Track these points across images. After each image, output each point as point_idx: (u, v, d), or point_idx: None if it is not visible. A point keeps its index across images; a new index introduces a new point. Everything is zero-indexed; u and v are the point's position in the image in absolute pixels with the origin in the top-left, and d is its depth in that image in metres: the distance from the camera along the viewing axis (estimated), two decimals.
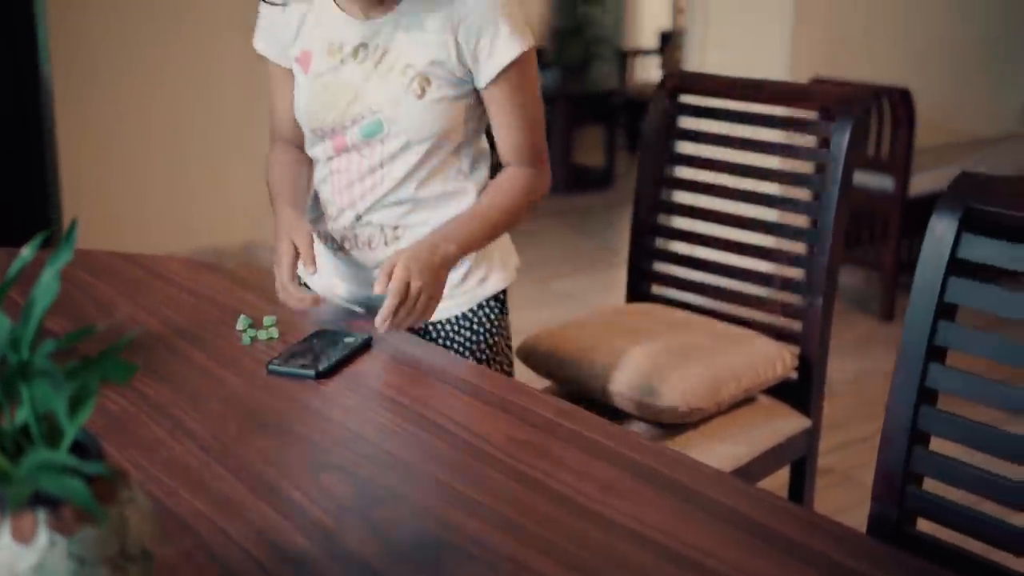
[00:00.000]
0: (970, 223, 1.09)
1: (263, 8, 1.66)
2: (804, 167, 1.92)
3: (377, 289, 1.47)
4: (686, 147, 2.12)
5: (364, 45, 1.57)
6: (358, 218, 1.64)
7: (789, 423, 1.93)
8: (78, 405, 0.77)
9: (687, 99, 2.07)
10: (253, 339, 1.50)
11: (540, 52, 7.75)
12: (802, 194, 1.96)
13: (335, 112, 1.58)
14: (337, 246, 1.68)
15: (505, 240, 1.74)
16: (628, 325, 1.97)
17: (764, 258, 2.03)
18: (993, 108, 5.08)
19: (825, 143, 1.88)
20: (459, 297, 1.67)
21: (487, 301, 1.70)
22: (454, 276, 1.63)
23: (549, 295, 4.36)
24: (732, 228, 2.05)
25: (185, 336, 1.50)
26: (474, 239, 1.57)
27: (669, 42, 7.55)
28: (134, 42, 4.17)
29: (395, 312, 1.45)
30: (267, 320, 1.54)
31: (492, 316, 1.70)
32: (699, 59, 4.25)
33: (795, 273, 1.98)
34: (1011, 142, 4.92)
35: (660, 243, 2.17)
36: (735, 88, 2.01)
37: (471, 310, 1.69)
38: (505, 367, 1.74)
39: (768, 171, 2.00)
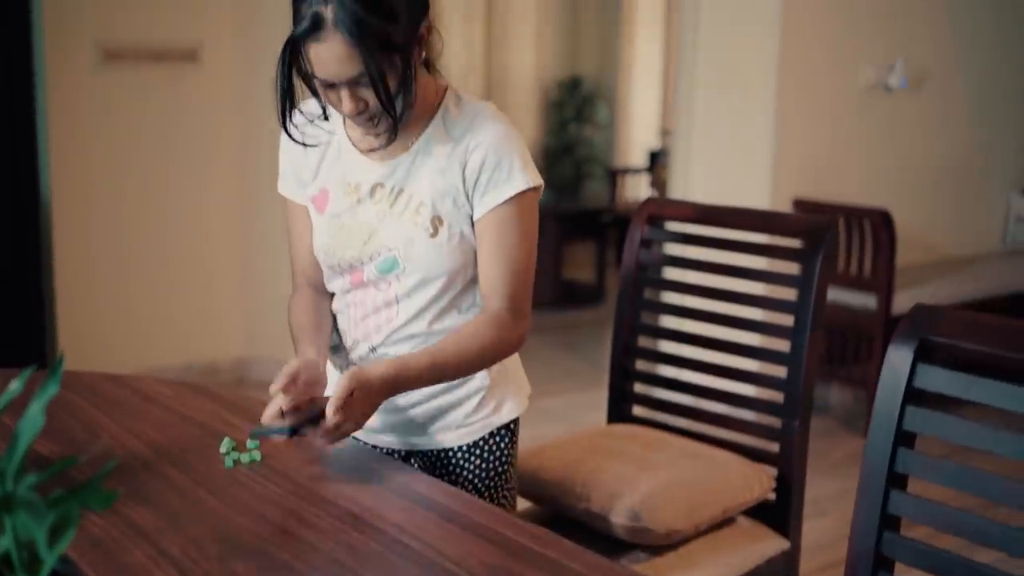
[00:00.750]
0: (925, 354, 1.14)
1: (284, 152, 1.70)
2: (779, 292, 1.97)
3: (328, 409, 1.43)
4: (664, 271, 2.18)
5: (381, 185, 1.60)
6: (372, 350, 1.65)
7: (768, 545, 1.94)
8: (58, 534, 0.80)
9: (665, 224, 2.14)
10: (235, 462, 1.52)
11: None
12: (777, 318, 2.02)
13: (352, 250, 1.61)
14: None
15: (519, 368, 1.75)
16: (608, 447, 2.00)
17: (742, 380, 2.07)
18: (971, 228, 5.19)
19: (798, 269, 1.94)
20: (473, 425, 1.68)
21: (498, 429, 1.70)
22: (468, 405, 1.66)
23: (536, 412, 4.36)
24: (709, 351, 2.09)
25: (169, 459, 1.53)
26: (420, 383, 1.55)
27: (657, 160, 7.72)
28: (130, 160, 4.29)
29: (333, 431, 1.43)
30: (250, 443, 1.57)
31: (503, 444, 1.70)
32: (684, 180, 4.37)
33: (772, 395, 2.01)
34: (989, 261, 5.02)
35: (641, 365, 2.21)
36: (709, 215, 2.08)
37: (483, 438, 1.69)
38: (510, 496, 1.73)
39: (743, 295, 2.05)
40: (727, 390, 2.08)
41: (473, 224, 1.59)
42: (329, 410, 1.42)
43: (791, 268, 2.03)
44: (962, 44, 4.87)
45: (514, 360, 1.74)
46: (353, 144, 1.63)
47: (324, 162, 1.65)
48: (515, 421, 1.73)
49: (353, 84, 1.46)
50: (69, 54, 4.07)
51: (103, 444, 1.58)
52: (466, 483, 1.69)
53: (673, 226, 2.13)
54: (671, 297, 2.14)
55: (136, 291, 4.38)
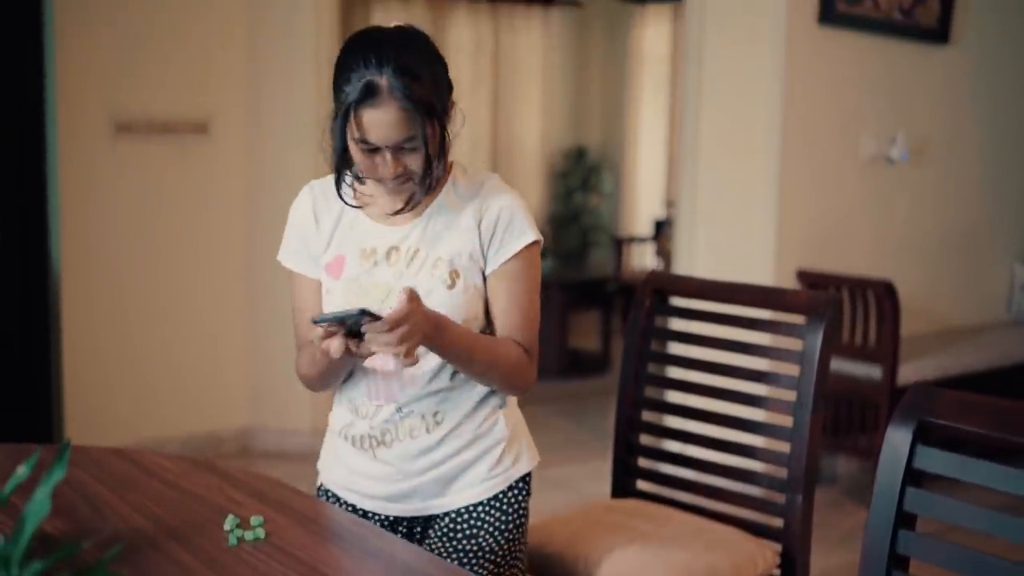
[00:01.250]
0: (924, 435, 1.14)
1: (294, 225, 1.76)
2: (781, 367, 1.98)
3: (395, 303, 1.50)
4: (668, 346, 2.19)
5: (396, 248, 1.69)
6: (399, 410, 1.70)
7: None
8: None
9: (669, 299, 2.15)
10: (239, 539, 1.52)
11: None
12: (780, 393, 2.02)
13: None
14: (377, 442, 1.72)
15: (526, 426, 1.82)
16: (612, 522, 2.00)
17: (746, 455, 2.07)
18: (975, 297, 5.20)
19: (801, 344, 1.95)
20: (496, 478, 1.73)
21: (517, 482, 1.75)
22: (490, 457, 1.71)
23: (542, 482, 4.33)
24: (713, 425, 2.10)
25: (173, 536, 1.53)
26: (460, 351, 1.61)
27: (662, 229, 7.77)
28: (139, 231, 4.33)
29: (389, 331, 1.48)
30: (254, 520, 1.57)
31: (520, 497, 1.76)
32: (688, 250, 4.39)
33: (776, 471, 2.01)
34: (994, 330, 5.02)
35: (645, 439, 2.22)
36: (712, 290, 2.10)
37: (503, 491, 1.74)
38: (523, 554, 1.78)
39: (746, 370, 2.06)
40: (731, 465, 2.08)
41: (484, 278, 1.69)
42: (392, 312, 1.47)
43: (795, 344, 2.05)
44: (962, 116, 4.92)
45: (521, 418, 1.81)
46: (365, 212, 1.71)
47: (338, 230, 1.72)
48: (529, 474, 1.78)
49: (398, 148, 1.58)
50: (81, 126, 4.13)
51: (108, 524, 1.59)
52: (487, 537, 1.72)
53: (677, 301, 2.15)
54: (675, 371, 2.15)
55: (143, 361, 4.39)
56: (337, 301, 1.69)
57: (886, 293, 4.00)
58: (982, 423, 1.11)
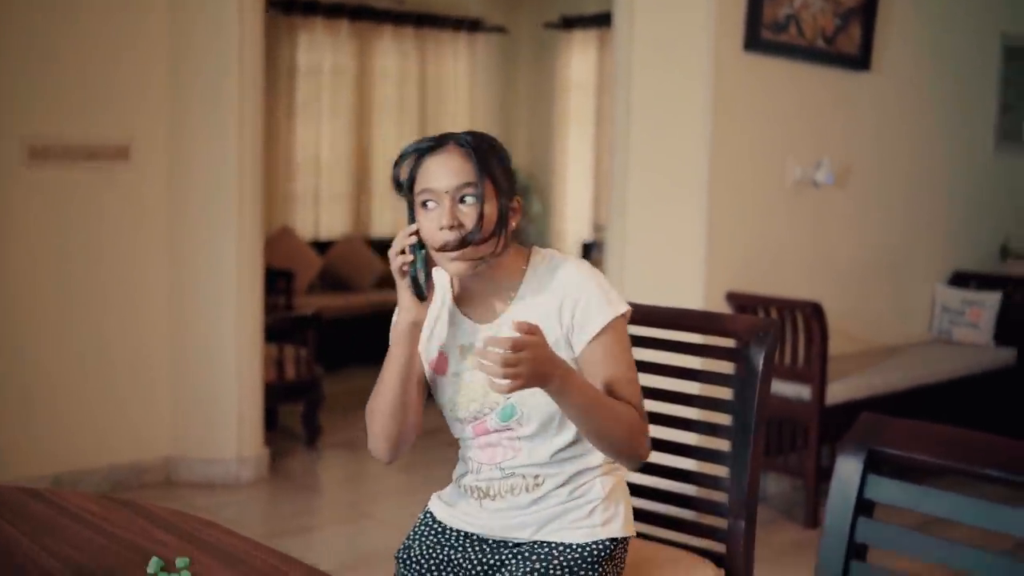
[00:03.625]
0: (874, 465, 1.13)
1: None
2: (721, 391, 1.96)
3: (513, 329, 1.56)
4: None
5: None
6: (502, 471, 1.76)
7: None
8: None
9: None
10: None
11: None
12: (720, 418, 2.00)
13: (476, 403, 1.75)
14: (483, 493, 1.79)
15: (628, 497, 1.84)
16: None
17: (686, 480, 2.05)
18: (900, 317, 5.29)
19: (735, 368, 1.94)
20: (581, 530, 1.75)
21: (603, 540, 1.75)
22: (579, 512, 1.75)
23: None
24: (654, 452, 2.06)
25: None
26: (583, 402, 1.63)
27: (591, 253, 7.79)
28: (56, 259, 4.20)
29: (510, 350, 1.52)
30: (180, 562, 1.50)
31: (600, 557, 1.73)
32: (619, 273, 4.40)
33: (718, 495, 1.99)
34: (918, 349, 5.11)
35: None
36: (655, 316, 2.07)
37: (584, 544, 1.74)
38: None
39: (686, 396, 2.04)
40: (671, 491, 2.05)
41: (576, 362, 1.72)
42: (520, 338, 1.51)
43: (726, 368, 2.04)
44: (884, 140, 5.02)
45: (623, 487, 1.84)
46: (458, 305, 1.79)
47: (439, 323, 1.80)
48: (619, 542, 1.77)
49: (457, 199, 1.65)
50: None
51: (23, 573, 1.50)
52: (556, 569, 1.71)
53: None
54: None
55: (62, 391, 4.25)
56: (447, 395, 1.78)
57: (814, 314, 4.05)
58: (933, 451, 1.09)
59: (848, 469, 1.13)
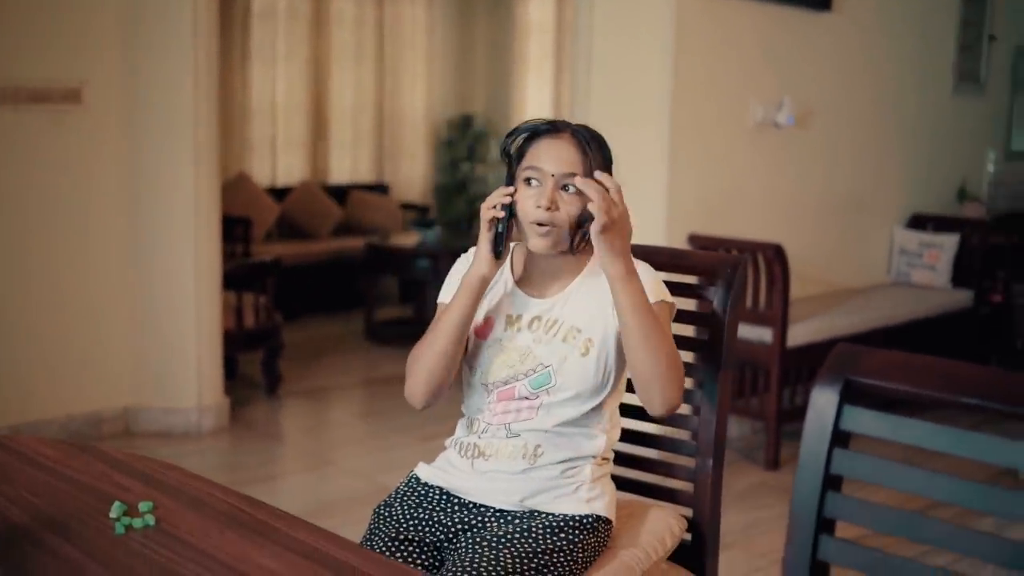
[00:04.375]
0: (850, 395, 1.12)
1: (459, 274, 1.82)
2: (687, 331, 1.95)
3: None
4: None
5: (539, 318, 1.80)
6: (508, 432, 1.77)
7: None
8: None
9: None
10: (127, 527, 1.42)
11: (425, 210, 7.89)
12: (687, 357, 1.99)
13: (509, 369, 1.78)
14: (479, 452, 1.79)
15: (611, 485, 1.85)
16: None
17: (652, 421, 2.04)
18: (859, 260, 5.32)
19: (705, 308, 1.92)
20: (565, 501, 1.75)
21: (585, 517, 1.75)
22: (566, 489, 1.76)
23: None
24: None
25: (53, 528, 1.42)
26: (642, 298, 1.67)
27: None
28: (7, 206, 4.09)
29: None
30: (143, 506, 1.47)
31: (579, 533, 1.73)
32: None
33: (684, 435, 1.99)
34: (875, 293, 5.16)
35: None
36: None
37: (566, 516, 1.74)
38: None
39: None
40: (637, 430, 2.05)
41: (619, 340, 1.74)
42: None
43: (692, 306, 2.02)
44: (845, 82, 5.01)
45: (608, 478, 1.85)
46: (516, 282, 1.84)
47: (493, 290, 1.84)
48: (602, 522, 1.78)
49: (561, 185, 1.72)
50: None
51: None
52: (524, 541, 1.68)
53: None
54: None
55: (18, 340, 4.16)
56: (480, 359, 1.81)
57: (776, 256, 4.05)
58: (910, 381, 1.08)
59: (824, 400, 1.11)
